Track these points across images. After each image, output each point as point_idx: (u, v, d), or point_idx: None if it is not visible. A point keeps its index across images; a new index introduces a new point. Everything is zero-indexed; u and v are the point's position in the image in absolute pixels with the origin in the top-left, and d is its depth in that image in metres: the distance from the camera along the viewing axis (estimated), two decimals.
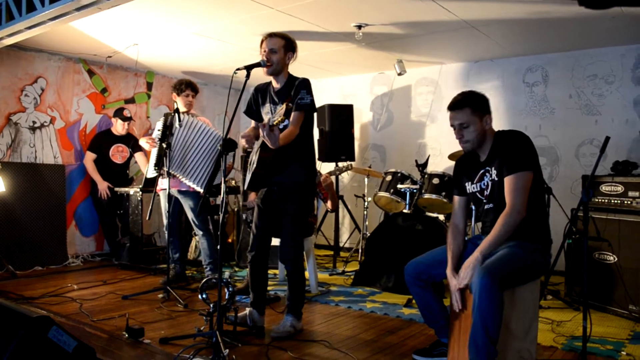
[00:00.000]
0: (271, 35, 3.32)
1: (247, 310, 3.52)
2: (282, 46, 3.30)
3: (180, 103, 4.65)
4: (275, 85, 3.38)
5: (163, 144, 4.23)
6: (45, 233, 5.53)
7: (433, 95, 6.39)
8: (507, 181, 2.52)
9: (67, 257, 5.76)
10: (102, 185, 5.90)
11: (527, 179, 2.50)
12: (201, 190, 4.40)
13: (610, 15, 4.26)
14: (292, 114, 3.18)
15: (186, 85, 4.69)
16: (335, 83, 7.11)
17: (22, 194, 5.35)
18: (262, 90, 3.48)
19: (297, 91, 3.23)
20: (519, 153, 2.53)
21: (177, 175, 4.41)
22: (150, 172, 4.43)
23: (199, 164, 4.43)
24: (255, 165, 3.26)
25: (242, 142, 3.41)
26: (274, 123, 2.94)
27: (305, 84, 3.26)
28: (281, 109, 3.07)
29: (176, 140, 4.39)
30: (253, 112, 3.55)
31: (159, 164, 4.29)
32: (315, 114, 3.46)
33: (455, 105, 2.65)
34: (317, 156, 3.51)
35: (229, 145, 3.07)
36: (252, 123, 3.59)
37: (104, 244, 6.38)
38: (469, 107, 2.62)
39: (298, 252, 3.43)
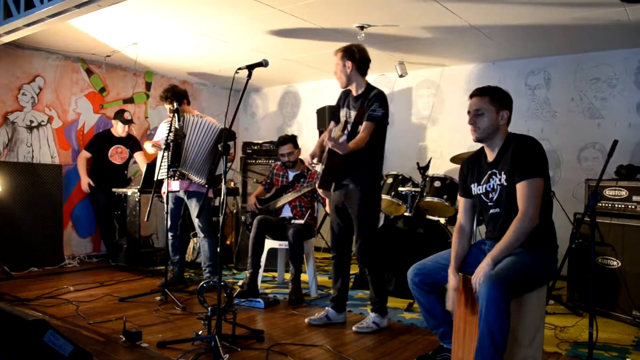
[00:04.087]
0: (336, 52, 3.61)
1: (326, 309, 3.72)
2: (340, 58, 3.55)
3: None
4: (354, 92, 3.60)
5: (170, 143, 4.25)
6: (42, 233, 5.47)
7: (434, 97, 6.35)
8: (520, 187, 2.47)
9: (63, 258, 5.70)
10: (85, 180, 5.89)
11: (540, 186, 2.46)
12: (200, 180, 4.45)
13: (614, 18, 4.23)
14: (364, 123, 3.40)
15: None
16: (337, 84, 6.95)
17: (18, 194, 5.29)
18: (345, 94, 3.71)
19: (370, 103, 3.41)
20: (532, 159, 2.48)
21: (190, 175, 4.42)
22: (161, 174, 4.40)
23: (207, 160, 4.48)
24: (323, 168, 3.53)
25: (308, 159, 3.80)
26: (335, 137, 3.22)
27: (379, 97, 3.43)
28: (339, 128, 3.44)
29: (188, 142, 4.41)
30: (336, 114, 3.77)
31: (173, 166, 4.30)
32: (387, 127, 3.61)
33: (477, 92, 2.69)
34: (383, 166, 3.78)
35: (228, 139, 3.18)
36: (331, 124, 3.81)
37: (100, 245, 6.33)
38: (488, 95, 2.64)
39: (372, 251, 3.55)
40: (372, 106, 3.38)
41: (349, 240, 3.72)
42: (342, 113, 3.65)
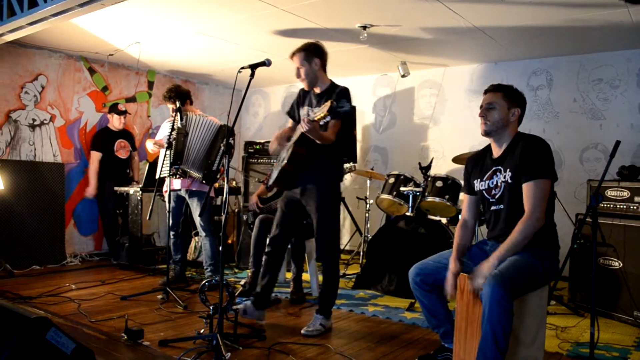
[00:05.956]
0: (293, 54, 3.41)
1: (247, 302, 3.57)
2: (304, 59, 3.38)
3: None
4: (317, 90, 3.49)
5: (172, 141, 4.28)
6: (44, 232, 5.48)
7: (436, 97, 6.35)
8: (527, 187, 2.48)
9: (65, 256, 5.71)
10: (94, 189, 5.87)
11: (547, 187, 2.48)
12: (199, 176, 4.47)
13: (617, 19, 4.23)
14: (331, 121, 3.26)
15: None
16: (340, 83, 7.01)
17: (20, 192, 5.30)
18: (305, 93, 3.59)
19: (337, 99, 3.26)
20: (541, 160, 2.49)
21: (192, 173, 4.44)
22: (163, 172, 4.41)
23: (206, 156, 4.51)
24: (285, 162, 3.35)
25: (273, 145, 3.53)
26: (316, 119, 3.04)
27: (345, 93, 3.38)
28: (325, 106, 3.05)
29: (190, 140, 4.43)
30: (293, 112, 3.64)
31: (175, 164, 4.33)
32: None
33: (491, 87, 2.73)
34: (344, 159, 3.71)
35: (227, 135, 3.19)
36: (289, 123, 3.65)
37: (102, 243, 6.34)
38: (502, 91, 2.68)
39: (333, 248, 3.48)
40: (339, 102, 3.13)
41: (290, 237, 3.62)
42: (303, 112, 3.52)
